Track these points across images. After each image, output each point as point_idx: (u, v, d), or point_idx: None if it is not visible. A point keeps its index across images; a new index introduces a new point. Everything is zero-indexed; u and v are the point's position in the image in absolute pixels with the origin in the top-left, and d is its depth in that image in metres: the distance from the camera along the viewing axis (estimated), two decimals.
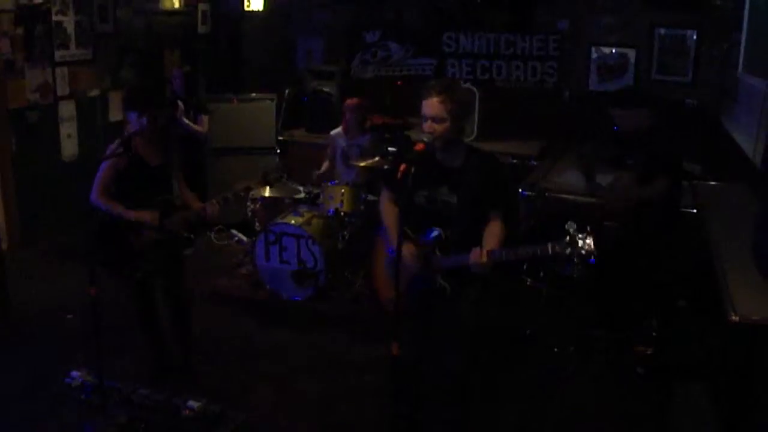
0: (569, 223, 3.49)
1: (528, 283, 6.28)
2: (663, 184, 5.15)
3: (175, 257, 4.99)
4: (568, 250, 3.48)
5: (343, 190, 6.41)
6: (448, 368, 4.08)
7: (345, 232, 6.50)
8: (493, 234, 3.85)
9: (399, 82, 8.99)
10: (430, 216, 3.92)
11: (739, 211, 4.48)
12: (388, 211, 4.18)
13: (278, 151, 8.54)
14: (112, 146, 4.66)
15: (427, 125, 3.76)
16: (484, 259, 3.68)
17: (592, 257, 3.45)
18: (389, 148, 7.24)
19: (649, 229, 5.29)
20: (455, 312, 3.99)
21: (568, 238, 3.48)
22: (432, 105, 3.74)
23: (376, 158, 6.64)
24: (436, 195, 3.91)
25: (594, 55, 8.29)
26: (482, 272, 3.75)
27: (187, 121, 7.20)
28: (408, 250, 3.89)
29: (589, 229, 3.47)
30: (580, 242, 3.46)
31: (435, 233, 3.89)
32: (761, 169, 4.96)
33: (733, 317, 3.16)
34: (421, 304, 4.04)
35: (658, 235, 5.30)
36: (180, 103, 7.17)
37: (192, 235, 4.91)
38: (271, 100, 8.64)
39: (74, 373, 4.45)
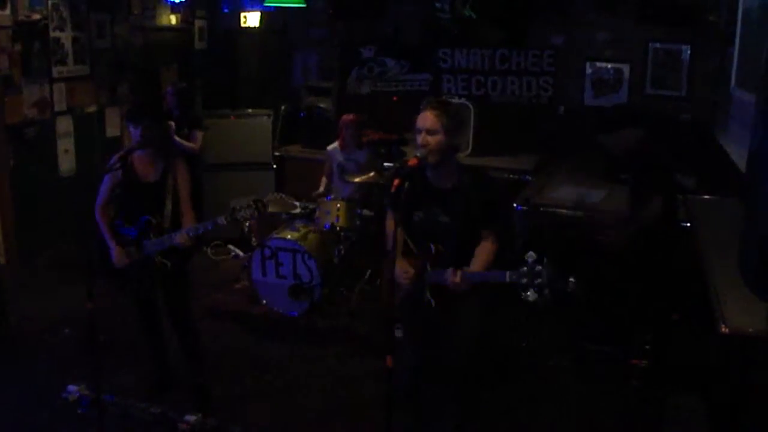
0: (529, 253, 3.52)
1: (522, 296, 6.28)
2: (658, 203, 5.19)
3: (173, 273, 4.88)
4: (524, 281, 3.51)
5: (338, 206, 6.43)
6: (445, 381, 4.10)
7: (341, 247, 6.53)
8: (480, 254, 3.91)
9: (395, 98, 9.00)
10: (428, 234, 3.96)
11: (731, 225, 4.50)
12: (390, 227, 4.23)
13: (274, 166, 8.58)
14: (113, 159, 4.72)
15: (421, 137, 3.82)
16: (458, 280, 3.75)
17: (547, 290, 3.47)
18: (385, 164, 7.29)
19: (644, 244, 5.31)
20: (452, 327, 4.02)
21: (525, 268, 3.52)
22: (427, 117, 3.80)
23: (372, 173, 6.68)
24: (430, 216, 3.96)
25: (589, 71, 8.33)
26: (459, 290, 3.80)
27: (179, 139, 7.21)
28: (400, 264, 3.95)
29: (545, 260, 3.49)
30: (536, 274, 3.49)
31: (432, 250, 3.93)
32: (746, 179, 5.00)
33: (724, 329, 3.19)
34: (414, 316, 4.07)
35: (653, 250, 5.32)
36: (171, 122, 7.17)
37: (167, 262, 4.73)
38: (268, 115, 8.66)
39: (71, 388, 4.48)
